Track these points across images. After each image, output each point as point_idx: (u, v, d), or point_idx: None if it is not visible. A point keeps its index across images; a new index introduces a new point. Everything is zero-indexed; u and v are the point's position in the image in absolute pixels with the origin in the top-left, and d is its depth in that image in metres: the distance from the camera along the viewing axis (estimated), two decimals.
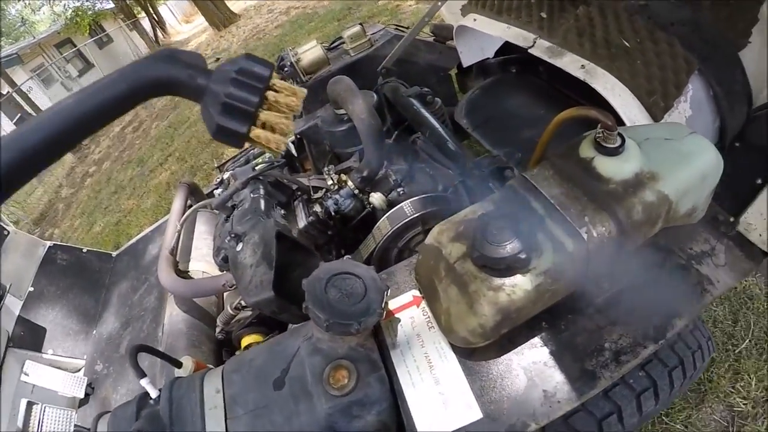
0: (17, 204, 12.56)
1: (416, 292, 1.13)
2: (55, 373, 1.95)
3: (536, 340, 1.00)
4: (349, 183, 1.83)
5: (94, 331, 2.22)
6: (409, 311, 1.10)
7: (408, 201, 1.60)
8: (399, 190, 1.77)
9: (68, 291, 2.33)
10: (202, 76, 0.73)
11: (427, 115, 1.92)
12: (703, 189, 0.97)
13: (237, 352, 1.70)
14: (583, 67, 1.59)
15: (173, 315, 1.90)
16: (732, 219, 1.19)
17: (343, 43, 2.78)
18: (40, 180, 14.15)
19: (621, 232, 0.86)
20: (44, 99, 16.31)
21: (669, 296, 1.01)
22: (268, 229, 1.57)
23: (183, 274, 1.94)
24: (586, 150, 0.93)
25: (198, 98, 0.73)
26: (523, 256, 0.83)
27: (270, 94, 0.77)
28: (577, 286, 0.93)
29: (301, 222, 1.88)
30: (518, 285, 0.85)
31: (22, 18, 26.46)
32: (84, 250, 2.57)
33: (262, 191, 1.93)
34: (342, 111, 2.04)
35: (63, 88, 18.51)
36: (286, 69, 2.68)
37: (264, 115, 0.76)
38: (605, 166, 0.90)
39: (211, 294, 1.92)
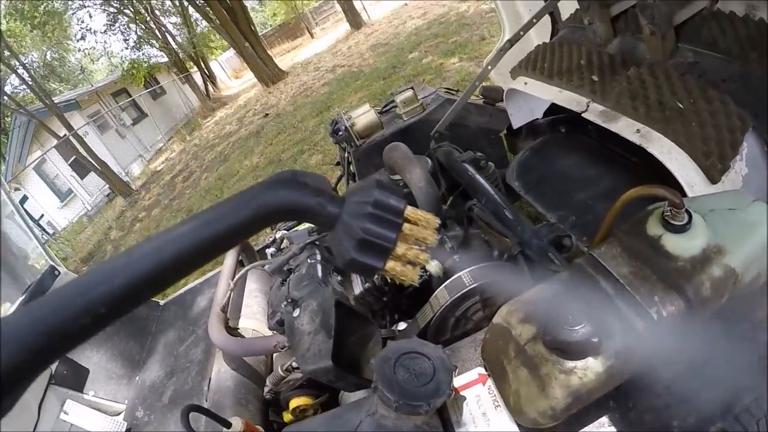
0: (67, 242, 13.02)
1: (482, 370, 1.12)
2: (95, 415, 1.96)
3: (604, 420, 0.98)
4: None
5: (137, 378, 2.24)
6: (474, 389, 1.09)
7: (466, 270, 1.58)
8: (455, 257, 1.75)
9: (114, 335, 2.35)
10: (332, 204, 0.70)
11: (483, 181, 1.91)
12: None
13: (284, 413, 1.71)
14: (638, 131, 1.59)
15: (221, 371, 1.89)
16: None
17: (396, 106, 2.84)
18: (90, 220, 14.81)
19: (690, 310, 0.85)
20: (99, 144, 17.17)
21: (736, 369, 0.98)
22: (326, 298, 1.59)
23: (233, 331, 1.96)
24: (654, 227, 0.93)
25: (329, 227, 0.71)
26: (595, 340, 0.83)
27: (406, 226, 0.73)
28: (647, 365, 0.91)
29: (357, 288, 1.89)
30: (590, 368, 0.84)
31: (81, 67, 28.10)
32: None
33: (319, 257, 1.93)
34: (397, 177, 2.03)
35: (117, 135, 19.55)
36: (340, 133, 2.73)
37: (400, 249, 0.73)
38: (673, 243, 0.90)
39: (262, 354, 1.94)
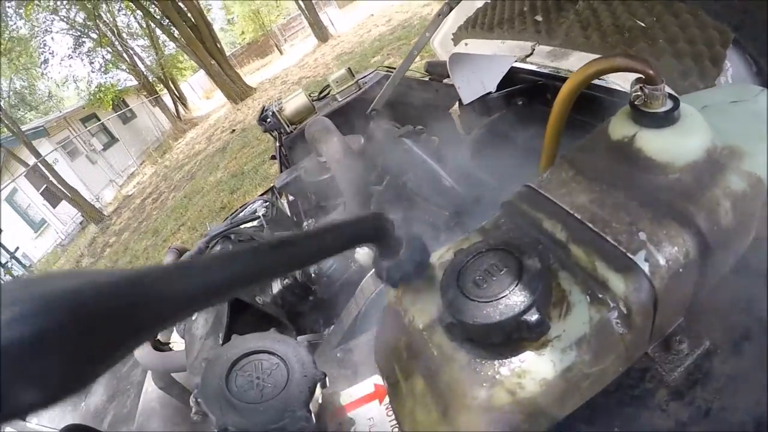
0: (39, 272, 12.85)
1: (380, 380, 0.76)
2: None
3: None
4: None
5: (83, 403, 2.15)
6: (367, 408, 0.74)
7: None
8: None
9: None
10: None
11: (418, 151, 1.65)
12: None
13: None
14: None
15: (149, 391, 1.71)
16: None
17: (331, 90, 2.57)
18: (64, 250, 14.61)
19: (704, 251, 0.49)
20: (69, 171, 16.66)
21: None
22: None
23: (162, 345, 1.72)
24: (620, 127, 0.57)
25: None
26: (533, 317, 0.45)
27: None
28: (638, 357, 0.55)
29: (276, 287, 1.59)
30: (529, 371, 0.46)
31: (49, 92, 27.40)
32: None
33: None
34: (324, 158, 1.77)
35: (88, 161, 18.92)
36: (268, 120, 2.47)
37: None
38: (656, 144, 0.53)
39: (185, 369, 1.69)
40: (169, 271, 0.37)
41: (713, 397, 0.58)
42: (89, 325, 0.29)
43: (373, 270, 1.30)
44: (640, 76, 0.54)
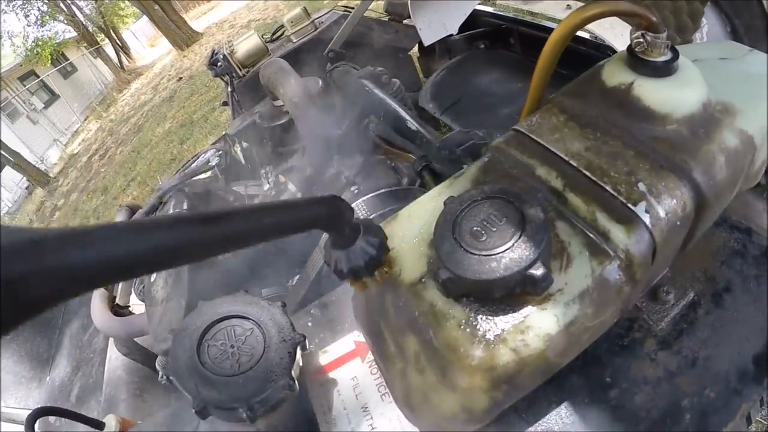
0: None
1: (360, 336, 0.73)
2: (9, 428, 1.71)
3: (564, 411, 0.58)
4: (290, 185, 1.52)
5: (48, 377, 2.01)
6: (349, 367, 0.70)
7: (359, 201, 1.26)
8: (353, 188, 1.43)
9: (19, 334, 2.11)
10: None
11: (381, 93, 1.59)
12: None
13: None
14: (568, 7, 1.29)
15: (113, 359, 1.67)
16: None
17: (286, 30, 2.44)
18: (12, 218, 13.89)
19: (700, 205, 0.48)
20: (10, 134, 15.71)
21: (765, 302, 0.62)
22: None
23: (122, 309, 1.67)
24: (617, 74, 0.54)
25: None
26: (539, 271, 0.42)
27: None
28: (631, 307, 0.54)
29: None
30: (532, 327, 0.44)
31: None
32: None
33: (185, 205, 1.58)
34: (280, 102, 1.71)
35: (29, 121, 17.94)
36: (219, 64, 2.33)
37: None
38: (655, 93, 0.52)
39: (148, 333, 1.63)
40: (70, 236, 0.31)
41: (699, 347, 0.59)
42: None
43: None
44: (641, 22, 0.52)
